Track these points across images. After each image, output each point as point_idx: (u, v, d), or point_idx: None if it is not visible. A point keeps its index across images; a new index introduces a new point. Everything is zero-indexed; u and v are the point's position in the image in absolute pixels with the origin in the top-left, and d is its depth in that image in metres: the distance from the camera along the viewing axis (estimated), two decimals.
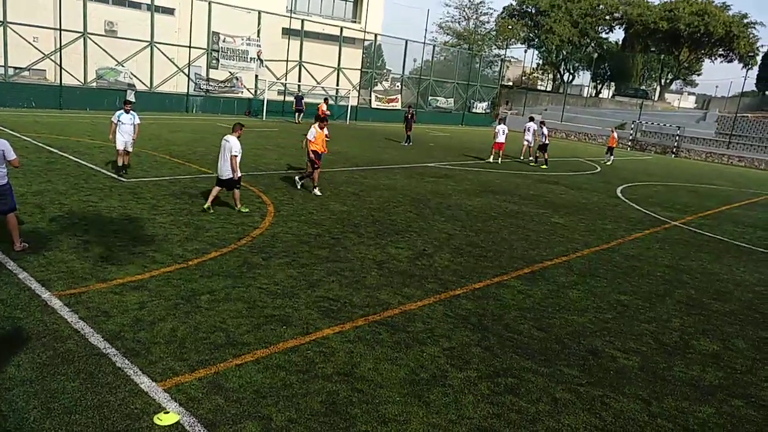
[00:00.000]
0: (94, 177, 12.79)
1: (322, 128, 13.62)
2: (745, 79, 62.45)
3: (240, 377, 5.16)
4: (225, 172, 10.69)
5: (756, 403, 5.79)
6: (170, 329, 5.93)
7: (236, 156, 10.63)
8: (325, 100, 29.69)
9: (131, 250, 8.18)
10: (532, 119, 26.76)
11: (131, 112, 13.16)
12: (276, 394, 4.96)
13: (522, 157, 25.77)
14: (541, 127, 24.35)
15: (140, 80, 30.46)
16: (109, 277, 7.12)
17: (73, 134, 19.06)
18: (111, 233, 8.84)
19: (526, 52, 77.24)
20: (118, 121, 12.90)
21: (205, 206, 10.80)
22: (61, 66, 27.55)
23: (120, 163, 13.21)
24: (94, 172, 13.24)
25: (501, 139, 23.55)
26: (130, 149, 13.30)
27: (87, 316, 5.99)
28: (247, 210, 11.13)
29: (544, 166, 24.03)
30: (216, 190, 10.98)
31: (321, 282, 7.78)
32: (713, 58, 67.40)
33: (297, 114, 34.45)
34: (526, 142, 25.57)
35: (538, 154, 24.73)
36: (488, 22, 71.55)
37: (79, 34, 28.21)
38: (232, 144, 10.60)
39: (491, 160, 23.93)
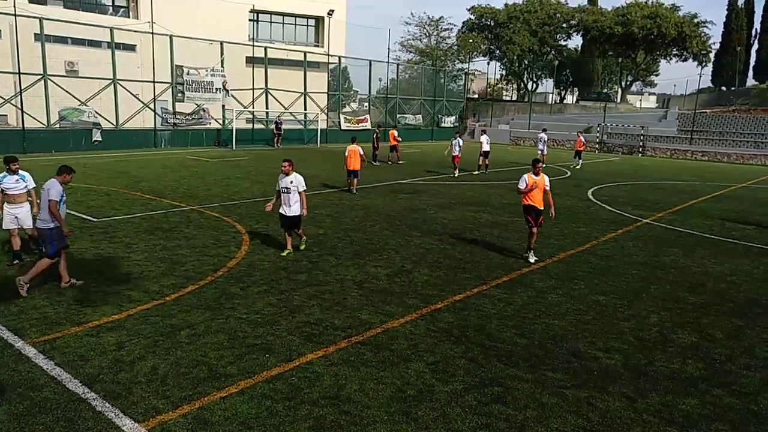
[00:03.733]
0: None
1: (537, 173, 10.54)
2: (700, 77, 64.58)
3: (225, 410, 5.09)
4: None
5: (737, 391, 5.90)
6: (151, 367, 5.83)
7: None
8: (395, 126, 33.01)
9: (106, 291, 8.04)
10: (544, 130, 31.08)
11: (20, 172, 9.42)
12: (262, 423, 4.90)
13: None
14: (482, 135, 26.24)
15: (105, 118, 30.13)
16: (84, 319, 6.98)
17: (39, 178, 18.66)
18: (84, 275, 8.67)
19: (488, 64, 78.76)
20: (2, 189, 9.26)
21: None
22: (22, 110, 27.13)
23: (16, 247, 9.27)
24: None
25: (456, 151, 23.82)
26: (27, 225, 9.30)
27: (63, 362, 5.85)
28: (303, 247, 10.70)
29: (476, 172, 24.95)
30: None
31: (301, 307, 7.74)
32: (669, 58, 69.31)
33: (276, 138, 35.52)
34: (539, 152, 28.52)
35: (481, 161, 25.68)
36: (449, 38, 72.63)
37: (40, 76, 27.88)
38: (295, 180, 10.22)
39: (476, 171, 25.02)
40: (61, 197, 8.06)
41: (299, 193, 10.15)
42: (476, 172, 25.08)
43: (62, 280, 8.12)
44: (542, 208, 10.60)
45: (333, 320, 7.31)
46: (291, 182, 10.07)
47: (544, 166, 28.61)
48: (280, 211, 10.26)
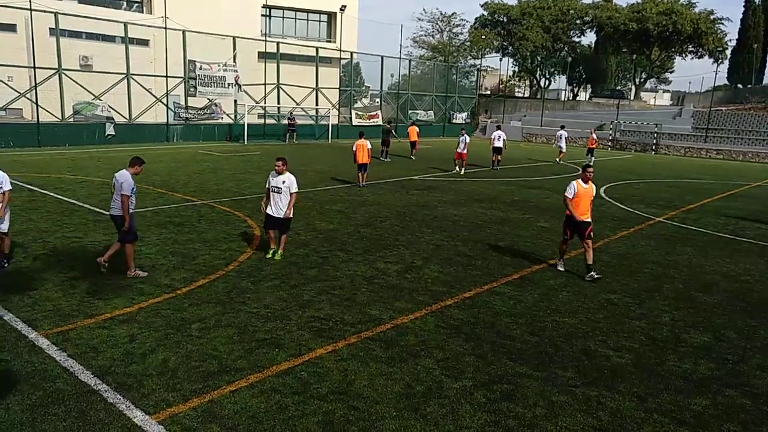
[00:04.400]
0: (77, 212, 12.68)
1: (587, 180, 9.53)
2: (716, 74, 63.78)
3: (235, 404, 5.12)
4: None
5: (749, 392, 5.84)
6: (162, 360, 5.87)
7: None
8: (414, 123, 32.57)
9: (118, 284, 8.11)
10: (563, 127, 31.52)
11: None
12: (272, 418, 4.93)
13: (559, 161, 29.53)
14: (497, 130, 26.73)
15: (119, 112, 30.35)
16: (96, 312, 7.05)
17: (53, 171, 18.93)
18: (97, 268, 8.75)
19: (501, 60, 78.25)
20: None
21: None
22: (37, 104, 27.38)
23: None
24: (76, 208, 13.13)
25: (462, 148, 23.27)
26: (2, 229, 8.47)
27: (76, 354, 5.91)
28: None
29: (490, 168, 25.40)
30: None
31: (311, 302, 7.76)
32: (684, 55, 68.57)
33: (289, 134, 35.77)
34: (559, 149, 29.94)
35: (493, 158, 25.99)
36: (461, 34, 72.39)
37: (54, 71, 28.11)
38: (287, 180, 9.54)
39: (490, 168, 25.50)
40: (132, 189, 8.37)
41: (291, 194, 9.58)
42: (490, 168, 25.23)
43: (102, 259, 8.56)
44: (589, 219, 9.57)
45: (343, 315, 7.32)
46: (283, 182, 9.52)
47: (561, 162, 28.92)
48: (268, 211, 9.66)
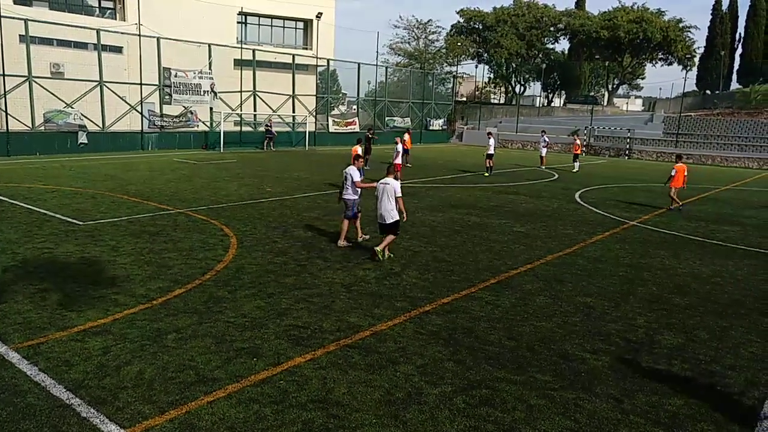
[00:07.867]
0: (48, 223, 12.43)
1: None
2: (685, 81, 65.36)
3: (212, 414, 5.05)
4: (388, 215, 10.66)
5: (722, 391, 5.96)
6: (137, 372, 5.77)
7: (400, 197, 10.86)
8: (408, 131, 32.16)
9: (92, 295, 7.95)
10: (544, 132, 32.69)
11: None
12: (250, 428, 4.87)
13: (543, 167, 30.19)
14: (489, 138, 27.16)
15: (92, 121, 29.87)
16: (69, 324, 6.90)
17: (23, 181, 18.53)
18: (69, 279, 8.59)
19: (477, 67, 79.11)
20: None
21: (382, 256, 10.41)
22: (6, 112, 26.81)
23: None
24: (47, 218, 12.87)
25: (398, 160, 21.50)
26: None
27: (47, 367, 5.78)
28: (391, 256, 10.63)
29: (486, 174, 25.68)
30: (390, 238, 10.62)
31: (289, 310, 7.71)
32: (654, 62, 70.13)
33: (267, 141, 35.47)
34: (541, 155, 30.78)
35: (487, 163, 26.49)
36: (437, 41, 72.92)
37: (24, 78, 27.58)
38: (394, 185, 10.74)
39: (487, 174, 25.79)
40: (362, 178, 11.80)
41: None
42: (486, 174, 25.62)
43: (358, 235, 11.62)
44: None
45: (321, 323, 7.29)
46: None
47: (543, 168, 29.30)
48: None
